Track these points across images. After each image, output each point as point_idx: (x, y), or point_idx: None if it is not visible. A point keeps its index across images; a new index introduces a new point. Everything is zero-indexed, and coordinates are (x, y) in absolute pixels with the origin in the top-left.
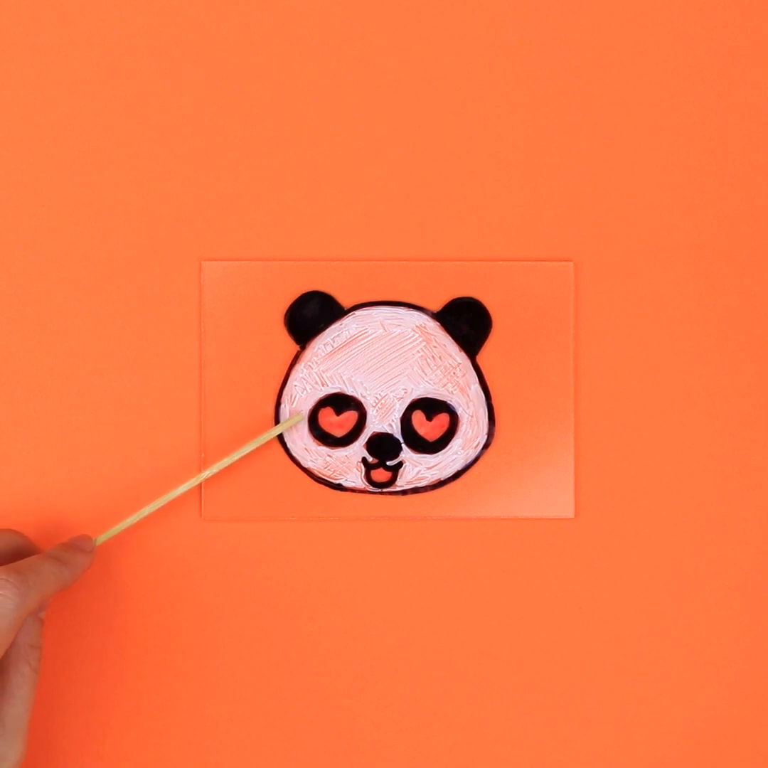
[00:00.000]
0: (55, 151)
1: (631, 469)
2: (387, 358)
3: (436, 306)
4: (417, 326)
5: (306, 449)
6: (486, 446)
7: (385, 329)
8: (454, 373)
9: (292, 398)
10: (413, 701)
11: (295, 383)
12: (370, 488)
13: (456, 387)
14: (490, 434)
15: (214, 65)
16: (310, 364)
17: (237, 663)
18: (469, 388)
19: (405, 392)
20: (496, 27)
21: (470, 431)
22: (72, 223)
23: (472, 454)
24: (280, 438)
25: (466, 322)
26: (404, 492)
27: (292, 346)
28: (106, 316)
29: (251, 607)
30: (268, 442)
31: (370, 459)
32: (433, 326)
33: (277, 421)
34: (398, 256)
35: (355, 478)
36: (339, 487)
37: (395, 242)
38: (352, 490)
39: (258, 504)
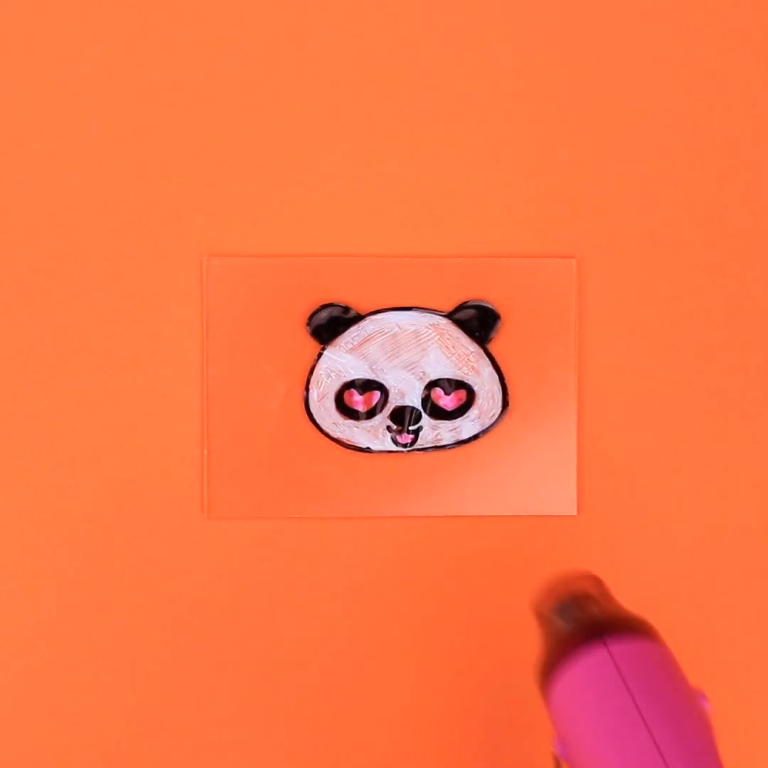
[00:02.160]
0: (59, 148)
1: (633, 465)
2: (406, 349)
3: (447, 308)
4: (430, 324)
5: (334, 424)
6: (500, 418)
7: (400, 328)
8: (468, 359)
9: (319, 383)
10: (419, 691)
11: (320, 372)
12: (396, 448)
13: (471, 370)
14: (505, 407)
15: (221, 60)
16: (333, 357)
17: (241, 660)
18: (483, 371)
19: (424, 374)
20: (504, 26)
21: (486, 404)
22: (76, 218)
23: (488, 422)
24: (309, 414)
25: (476, 319)
26: (426, 449)
27: (308, 344)
28: (110, 311)
29: (255, 604)
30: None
31: (394, 426)
32: (445, 323)
33: (306, 406)
34: (403, 253)
35: (380, 443)
36: (367, 451)
37: (400, 239)
38: (380, 452)
39: (263, 501)
